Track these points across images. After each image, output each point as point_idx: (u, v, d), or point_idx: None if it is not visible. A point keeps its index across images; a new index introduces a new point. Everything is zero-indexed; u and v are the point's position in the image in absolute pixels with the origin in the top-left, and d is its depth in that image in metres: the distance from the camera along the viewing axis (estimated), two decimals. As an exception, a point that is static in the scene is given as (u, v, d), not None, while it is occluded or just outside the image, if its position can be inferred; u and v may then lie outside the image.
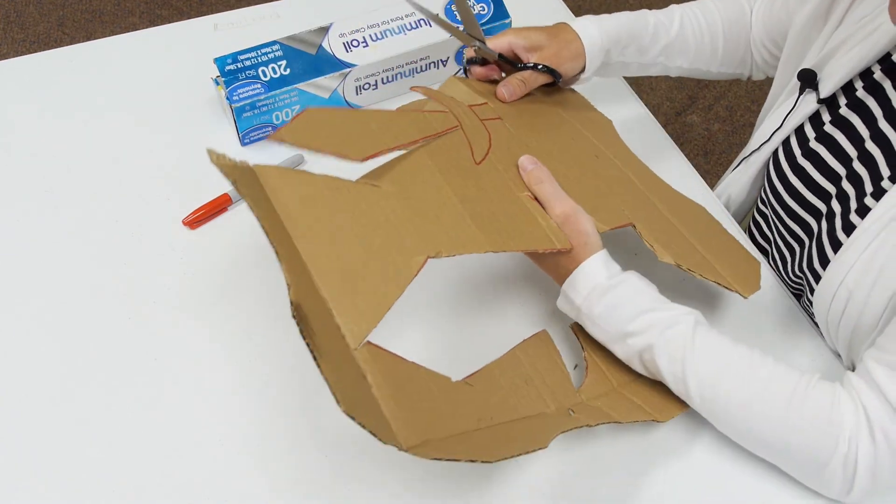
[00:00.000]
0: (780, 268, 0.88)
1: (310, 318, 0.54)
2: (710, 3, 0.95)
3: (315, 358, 0.52)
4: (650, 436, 0.73)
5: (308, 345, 0.52)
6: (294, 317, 0.53)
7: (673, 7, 0.94)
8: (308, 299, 0.55)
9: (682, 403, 0.71)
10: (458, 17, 0.80)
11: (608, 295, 0.69)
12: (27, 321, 0.79)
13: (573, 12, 1.15)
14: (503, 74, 0.86)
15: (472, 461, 0.56)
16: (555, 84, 0.87)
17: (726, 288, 0.75)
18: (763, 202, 0.91)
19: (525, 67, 0.84)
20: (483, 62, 0.85)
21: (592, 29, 0.86)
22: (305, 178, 0.62)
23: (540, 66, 0.83)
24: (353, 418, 0.51)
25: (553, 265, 0.72)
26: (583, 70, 0.87)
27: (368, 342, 0.57)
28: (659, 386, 0.71)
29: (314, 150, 0.64)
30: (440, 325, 0.80)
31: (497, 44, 0.84)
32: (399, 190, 0.65)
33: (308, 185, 0.61)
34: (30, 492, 0.68)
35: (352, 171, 0.66)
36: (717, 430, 0.71)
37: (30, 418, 0.73)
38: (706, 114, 2.06)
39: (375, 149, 0.67)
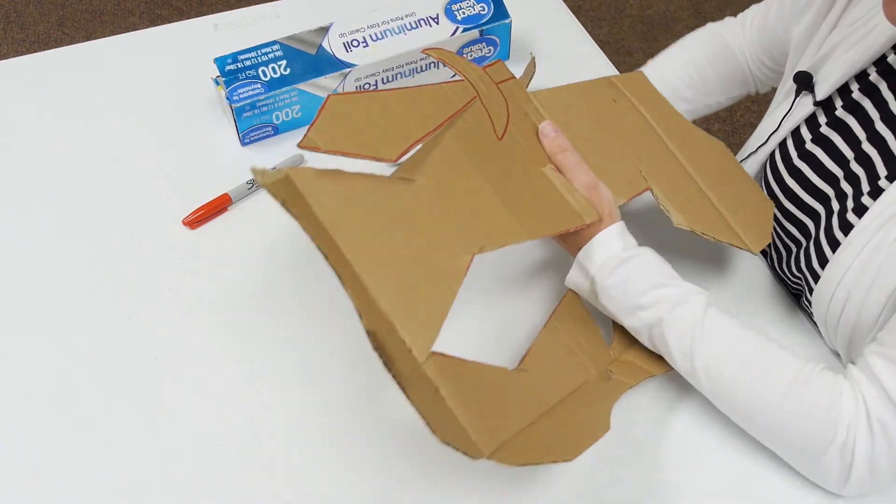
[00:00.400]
0: (778, 267, 0.88)
1: (386, 345, 0.54)
2: (685, 45, 0.98)
3: (403, 389, 0.52)
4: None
5: (394, 376, 0.52)
6: (375, 349, 0.52)
7: (648, 63, 0.97)
8: (375, 320, 0.55)
9: None
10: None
11: (623, 266, 0.70)
12: (27, 321, 0.79)
13: (573, 12, 1.16)
14: None
15: (555, 462, 0.58)
16: None
17: (738, 247, 0.76)
18: None
19: None
20: None
21: None
22: (342, 180, 0.61)
23: None
24: (449, 445, 0.52)
25: (576, 237, 0.73)
26: None
27: (433, 352, 0.57)
28: None
29: (347, 155, 0.65)
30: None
31: None
32: (432, 183, 0.65)
33: (346, 186, 0.61)
34: (30, 492, 0.68)
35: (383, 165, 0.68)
36: (719, 415, 0.71)
37: (30, 418, 0.73)
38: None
39: (405, 142, 0.68)
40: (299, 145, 0.64)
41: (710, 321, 0.68)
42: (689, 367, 0.69)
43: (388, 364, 0.52)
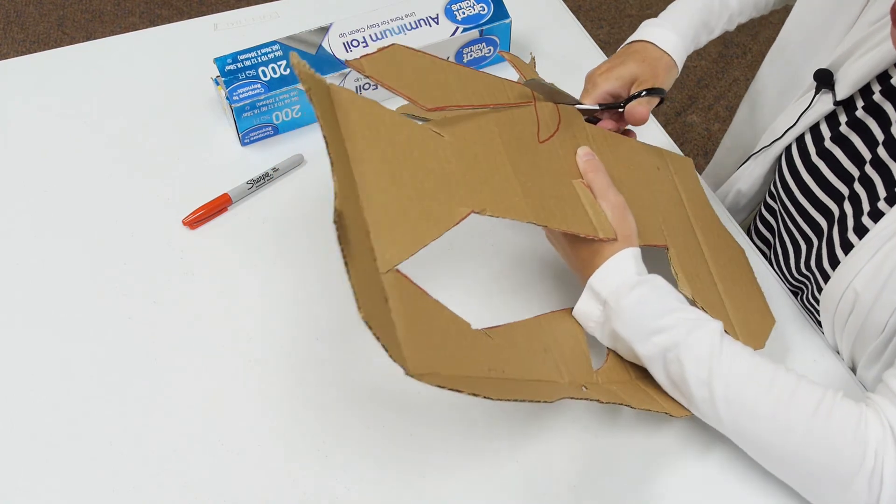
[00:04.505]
0: (784, 264, 0.88)
1: (349, 229, 0.55)
2: None
3: (346, 263, 0.53)
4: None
5: (342, 250, 0.54)
6: (335, 222, 0.54)
7: None
8: (350, 214, 0.57)
9: None
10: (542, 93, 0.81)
11: (638, 288, 0.68)
12: (27, 321, 0.79)
13: (573, 12, 1.16)
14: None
15: (475, 395, 0.57)
16: (662, 103, 0.86)
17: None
18: (773, 197, 0.90)
19: (632, 98, 0.83)
20: (592, 120, 0.85)
21: (671, 36, 0.87)
22: (375, 109, 0.64)
23: (643, 93, 0.83)
24: (369, 326, 0.52)
25: (589, 252, 0.71)
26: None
27: (397, 270, 0.58)
28: None
29: (388, 87, 0.67)
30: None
31: (595, 97, 0.84)
32: (459, 144, 0.67)
33: (377, 115, 0.63)
34: (30, 492, 0.68)
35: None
36: (730, 448, 0.70)
37: (30, 419, 0.73)
38: (706, 114, 2.06)
39: (446, 102, 0.69)
40: (346, 62, 0.66)
41: (728, 346, 0.66)
42: (705, 393, 0.66)
43: (342, 240, 0.54)
